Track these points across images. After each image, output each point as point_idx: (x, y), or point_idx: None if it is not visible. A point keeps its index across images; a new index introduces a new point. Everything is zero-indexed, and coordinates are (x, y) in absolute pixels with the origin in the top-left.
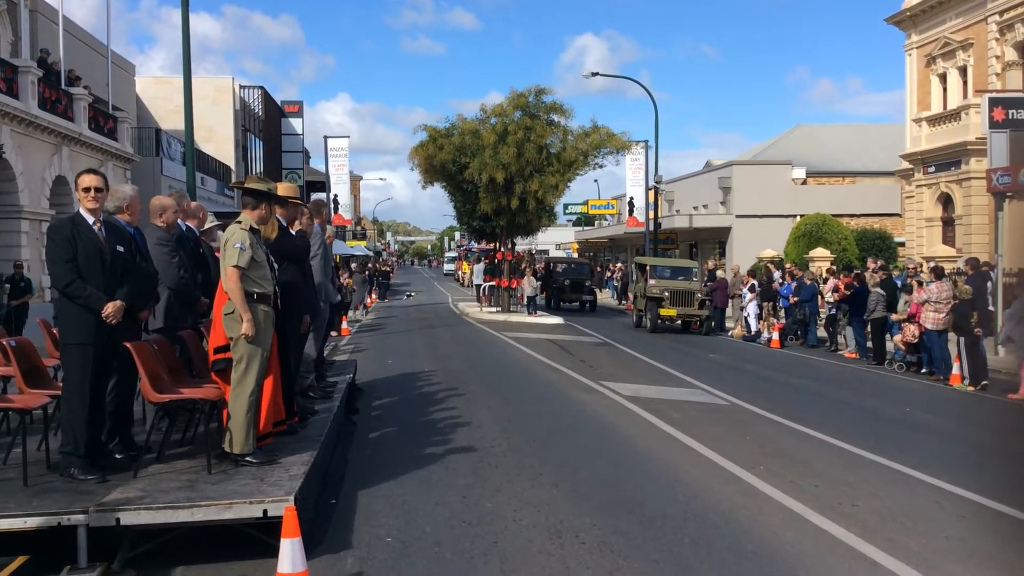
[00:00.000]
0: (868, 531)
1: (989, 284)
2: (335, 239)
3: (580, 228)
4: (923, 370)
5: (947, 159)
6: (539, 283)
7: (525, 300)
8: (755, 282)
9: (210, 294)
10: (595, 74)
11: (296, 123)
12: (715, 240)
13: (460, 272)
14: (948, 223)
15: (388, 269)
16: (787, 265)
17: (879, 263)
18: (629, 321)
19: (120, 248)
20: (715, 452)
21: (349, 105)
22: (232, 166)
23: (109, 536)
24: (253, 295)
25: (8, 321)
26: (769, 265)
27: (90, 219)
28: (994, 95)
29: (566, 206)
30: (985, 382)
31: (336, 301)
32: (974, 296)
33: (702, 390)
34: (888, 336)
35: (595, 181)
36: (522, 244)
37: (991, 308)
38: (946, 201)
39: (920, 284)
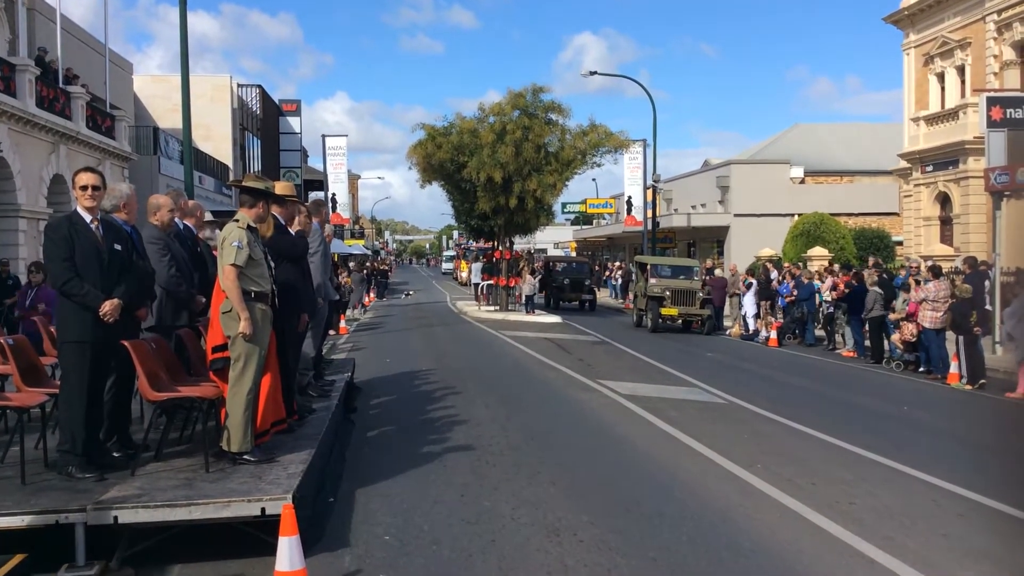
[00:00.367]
0: (865, 529)
1: (987, 283)
2: (333, 238)
3: (578, 227)
4: (921, 369)
5: (945, 158)
6: (537, 282)
7: (523, 299)
8: (753, 280)
9: (207, 292)
10: (593, 73)
11: (294, 122)
12: (713, 239)
13: (458, 271)
14: (946, 222)
15: (386, 268)
16: (785, 264)
17: (873, 261)
18: (628, 320)
19: (118, 247)
20: (713, 450)
21: (347, 104)
22: (230, 165)
23: (107, 534)
24: (251, 293)
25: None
26: (767, 264)
27: (87, 217)
28: (992, 94)
29: (564, 205)
30: (983, 381)
31: (334, 300)
32: (973, 295)
33: (700, 389)
34: (885, 335)
35: (593, 180)
36: (520, 243)
37: (988, 307)
38: (944, 200)
39: (918, 283)
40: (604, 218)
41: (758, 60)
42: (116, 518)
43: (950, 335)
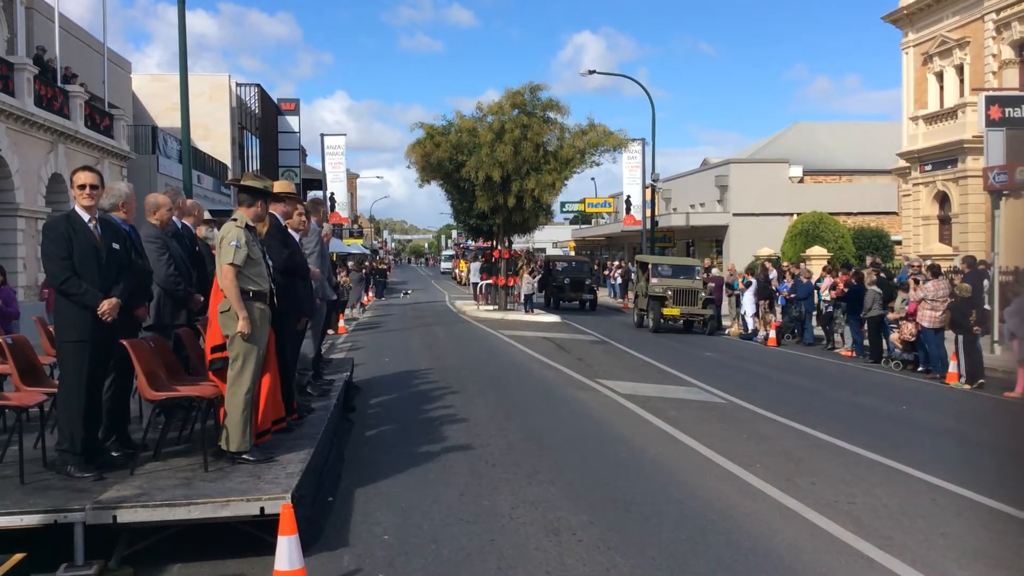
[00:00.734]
0: (864, 528)
1: (985, 282)
2: (332, 237)
3: (577, 226)
4: (920, 368)
5: (944, 157)
6: (536, 282)
7: (522, 298)
8: (752, 279)
9: (206, 291)
10: (592, 72)
11: (293, 121)
12: (712, 238)
13: (457, 270)
14: (945, 221)
15: (385, 267)
16: (784, 264)
17: (870, 261)
18: (627, 320)
19: (116, 246)
20: (712, 450)
21: (346, 103)
22: (228, 164)
23: (106, 534)
24: (249, 293)
25: None
26: (766, 263)
27: (86, 216)
28: (991, 93)
29: (563, 204)
30: (982, 380)
31: (332, 299)
32: (972, 294)
33: (699, 388)
34: (884, 335)
35: (592, 179)
36: (519, 242)
37: (987, 307)
38: (943, 199)
39: (917, 282)
40: (603, 217)
41: (757, 59)
42: (115, 517)
43: (949, 334)
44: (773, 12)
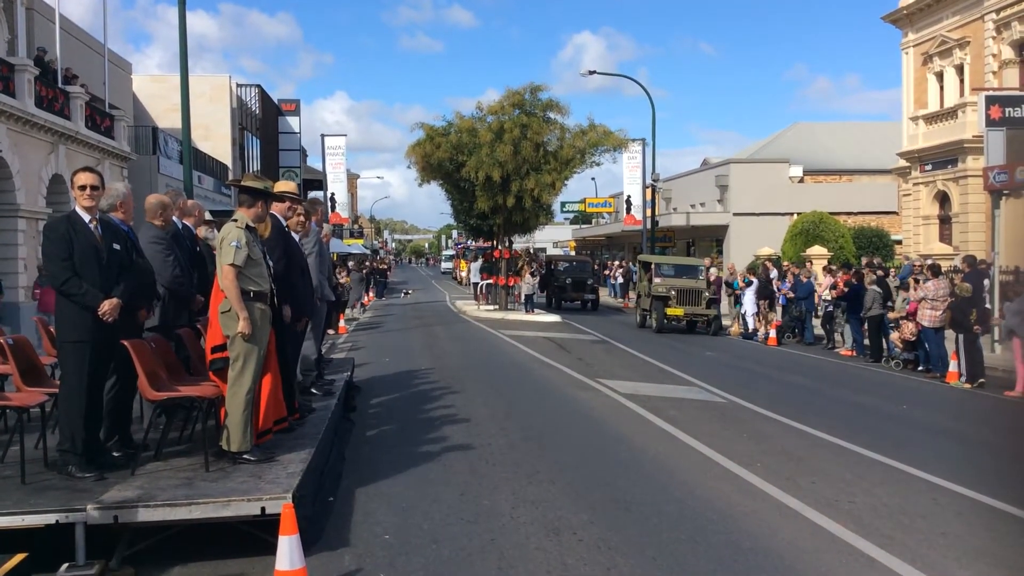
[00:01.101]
0: (865, 527)
1: (986, 282)
2: (332, 237)
3: (577, 226)
4: (920, 368)
5: (944, 157)
6: (536, 281)
7: (523, 298)
8: (753, 279)
9: (206, 292)
10: (592, 72)
11: (293, 121)
12: (712, 238)
13: (457, 270)
14: (945, 221)
15: (385, 267)
16: (785, 264)
17: (866, 261)
18: (628, 319)
19: (116, 246)
20: (712, 449)
21: (347, 103)
22: (229, 164)
23: (107, 534)
24: (249, 293)
25: None
26: (767, 263)
27: (86, 217)
28: (991, 93)
29: (563, 204)
30: (982, 380)
31: (332, 300)
32: (973, 294)
33: (699, 388)
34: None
35: (592, 179)
36: (519, 242)
37: (988, 306)
38: (943, 199)
39: (917, 281)
40: (603, 217)
41: (757, 59)
42: (116, 517)
43: (949, 334)
44: (773, 12)
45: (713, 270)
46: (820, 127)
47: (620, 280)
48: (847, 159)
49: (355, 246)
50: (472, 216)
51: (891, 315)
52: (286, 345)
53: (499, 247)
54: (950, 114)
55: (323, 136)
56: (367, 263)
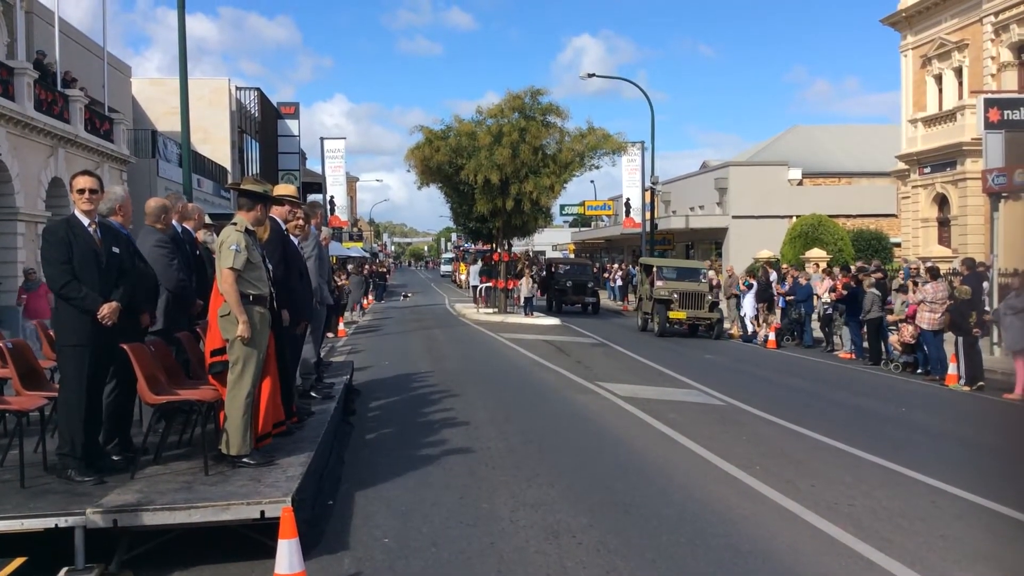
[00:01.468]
0: (864, 530)
1: (985, 284)
2: (331, 240)
3: (577, 229)
4: (919, 370)
5: (943, 160)
6: (536, 285)
7: (522, 301)
8: (754, 282)
9: (205, 296)
10: (591, 75)
11: (292, 124)
12: (711, 241)
13: (457, 273)
14: (944, 224)
15: (385, 270)
16: (784, 267)
17: (858, 267)
18: (627, 322)
19: (116, 249)
20: (711, 452)
21: (346, 106)
22: (228, 168)
23: (106, 538)
24: (249, 297)
25: None
26: (767, 266)
27: (85, 221)
28: (989, 96)
29: (563, 207)
30: (981, 382)
31: (331, 303)
32: (972, 296)
33: (698, 390)
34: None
35: (591, 182)
36: (519, 245)
37: (987, 309)
38: (942, 202)
39: (916, 284)
40: (602, 220)
41: (757, 61)
42: (115, 521)
43: (949, 336)
44: (772, 14)
45: (711, 273)
46: (819, 130)
47: (619, 283)
48: (846, 162)
49: (354, 249)
50: (471, 219)
51: (890, 318)
52: (285, 349)
53: (498, 250)
54: (949, 117)
55: (322, 139)
56: (366, 266)
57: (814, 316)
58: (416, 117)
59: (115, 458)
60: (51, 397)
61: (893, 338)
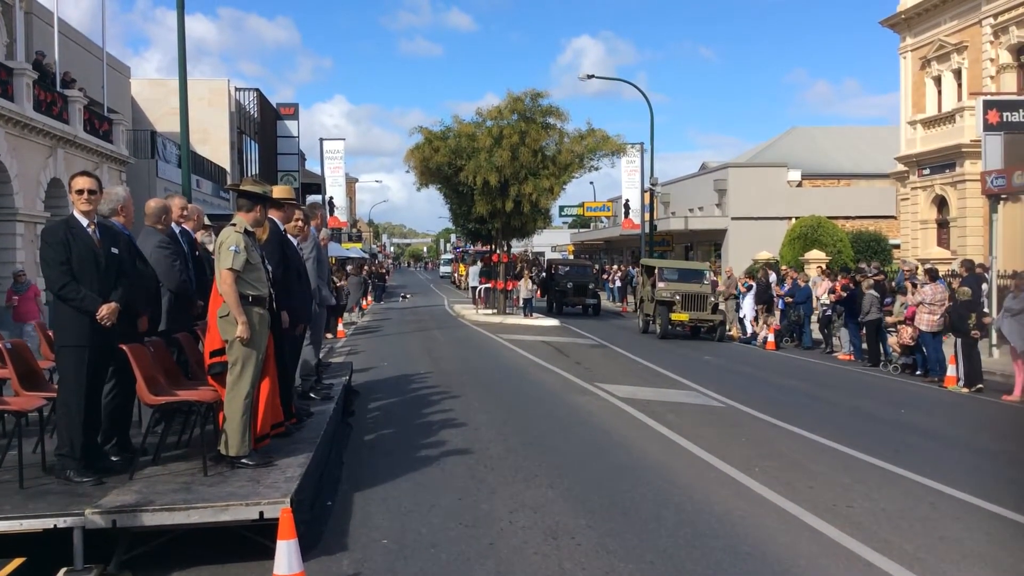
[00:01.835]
0: (863, 532)
1: (984, 286)
2: (330, 241)
3: (576, 230)
4: (918, 372)
5: (942, 161)
6: (535, 286)
7: (521, 302)
8: (753, 283)
9: (205, 296)
10: (591, 76)
11: (292, 125)
12: (711, 242)
13: (456, 274)
14: (943, 225)
15: (384, 271)
16: (783, 268)
17: (858, 266)
18: (628, 324)
19: (115, 250)
20: (710, 454)
21: (345, 107)
22: (227, 168)
23: (105, 538)
24: (248, 298)
25: None
26: (766, 267)
27: (84, 221)
28: (988, 98)
29: (562, 208)
30: (980, 384)
31: (331, 304)
32: (972, 298)
33: (697, 392)
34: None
35: (591, 183)
36: (518, 246)
37: (986, 311)
38: (941, 203)
39: (915, 286)
40: (601, 221)
41: (756, 63)
42: (114, 522)
43: (948, 338)
44: (772, 16)
45: (710, 274)
46: (819, 131)
47: (618, 284)
48: (845, 163)
49: (354, 250)
50: (471, 220)
51: (889, 319)
52: (284, 349)
53: (497, 251)
54: (948, 118)
55: (322, 140)
56: (365, 267)
57: (813, 318)
58: (416, 118)
59: (114, 459)
60: (50, 398)
61: (892, 340)
